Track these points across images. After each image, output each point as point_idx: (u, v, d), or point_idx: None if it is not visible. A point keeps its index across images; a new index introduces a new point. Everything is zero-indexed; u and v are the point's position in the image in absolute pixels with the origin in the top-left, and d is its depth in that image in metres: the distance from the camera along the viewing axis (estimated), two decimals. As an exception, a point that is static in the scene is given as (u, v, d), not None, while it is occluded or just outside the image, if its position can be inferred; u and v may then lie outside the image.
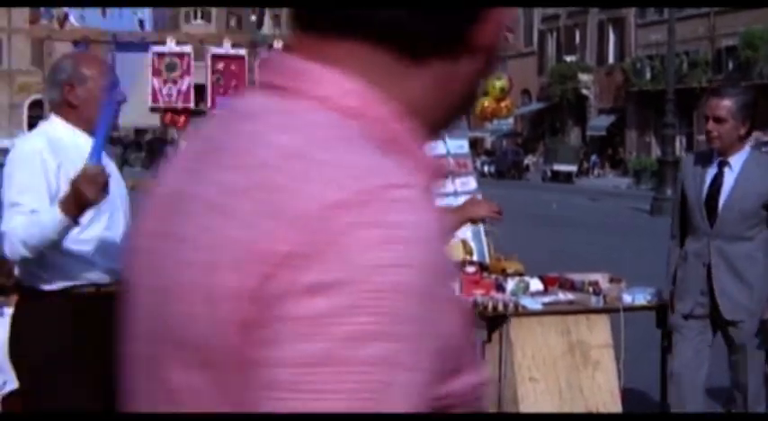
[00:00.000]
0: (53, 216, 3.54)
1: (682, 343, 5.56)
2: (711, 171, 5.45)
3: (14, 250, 3.63)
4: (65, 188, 3.66)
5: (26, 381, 3.90)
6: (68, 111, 3.94)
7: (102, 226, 3.85)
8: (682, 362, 5.57)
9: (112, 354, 3.96)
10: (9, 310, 4.39)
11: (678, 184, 5.71)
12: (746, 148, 5.48)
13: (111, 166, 4.02)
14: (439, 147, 7.03)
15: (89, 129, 3.92)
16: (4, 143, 15.27)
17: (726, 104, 5.31)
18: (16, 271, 3.96)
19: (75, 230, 3.66)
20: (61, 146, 3.82)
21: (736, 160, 5.40)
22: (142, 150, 55.80)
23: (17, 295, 4.11)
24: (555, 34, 60.70)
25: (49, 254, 3.69)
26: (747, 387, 5.45)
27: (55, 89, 3.96)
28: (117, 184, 3.95)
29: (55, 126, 3.95)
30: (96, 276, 3.84)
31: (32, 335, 3.80)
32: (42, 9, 6.50)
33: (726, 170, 5.41)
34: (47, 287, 3.78)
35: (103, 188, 3.53)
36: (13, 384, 4.65)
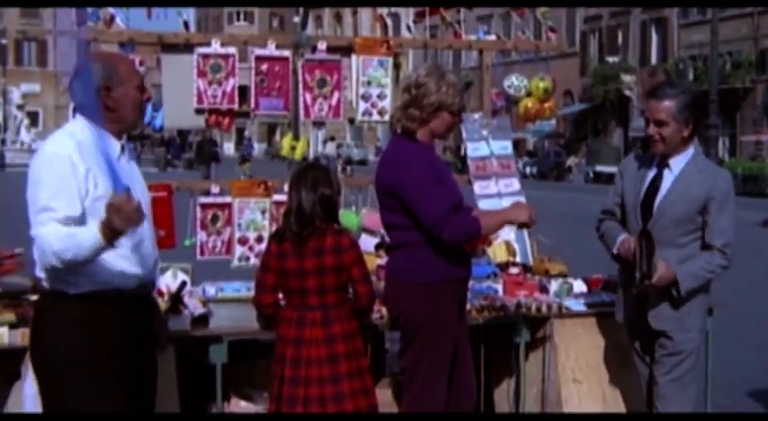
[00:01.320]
0: (91, 235, 3.50)
1: (636, 363, 5.36)
2: (651, 172, 5.17)
3: (45, 258, 3.59)
4: (93, 192, 3.66)
5: (49, 383, 3.81)
6: (103, 114, 3.82)
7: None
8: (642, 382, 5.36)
9: (134, 356, 3.90)
10: None
11: (617, 184, 5.36)
12: (690, 151, 5.13)
13: (133, 168, 4.02)
14: (482, 149, 7.02)
15: (123, 130, 3.94)
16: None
17: (666, 106, 5.00)
18: (37, 272, 3.86)
19: None
20: (89, 149, 3.72)
21: (677, 162, 5.10)
22: (186, 151, 56.07)
23: (37, 296, 4.04)
24: (597, 35, 60.38)
25: None
26: (670, 397, 5.11)
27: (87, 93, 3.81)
28: (141, 191, 3.92)
29: (81, 127, 3.82)
30: (121, 281, 3.80)
31: (57, 337, 3.74)
32: (89, 10, 6.54)
33: (665, 172, 5.12)
34: (72, 291, 3.73)
35: (135, 215, 3.47)
36: None
